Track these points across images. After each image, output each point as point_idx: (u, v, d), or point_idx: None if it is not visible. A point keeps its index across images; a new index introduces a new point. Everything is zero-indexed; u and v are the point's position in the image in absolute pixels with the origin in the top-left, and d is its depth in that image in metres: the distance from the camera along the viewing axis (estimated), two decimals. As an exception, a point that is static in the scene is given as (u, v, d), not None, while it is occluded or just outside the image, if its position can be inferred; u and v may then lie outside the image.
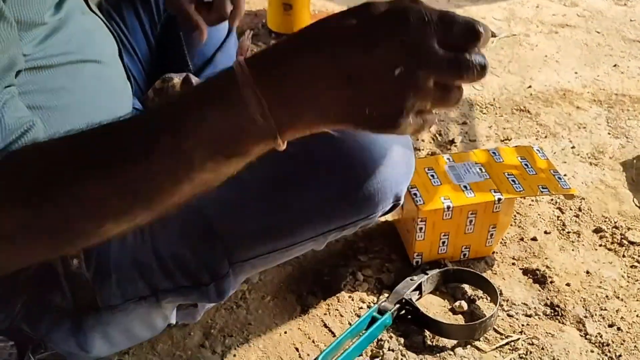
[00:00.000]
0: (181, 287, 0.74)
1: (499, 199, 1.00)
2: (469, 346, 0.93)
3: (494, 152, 1.10)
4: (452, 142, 1.37)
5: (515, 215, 1.16)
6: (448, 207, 0.99)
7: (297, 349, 0.94)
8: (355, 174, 0.73)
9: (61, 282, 0.70)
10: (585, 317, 0.98)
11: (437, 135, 1.39)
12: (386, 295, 1.00)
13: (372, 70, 0.42)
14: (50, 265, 0.69)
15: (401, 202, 0.80)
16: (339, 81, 0.42)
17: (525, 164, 1.07)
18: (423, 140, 1.38)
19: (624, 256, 1.09)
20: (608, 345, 0.93)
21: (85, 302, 0.71)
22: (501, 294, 1.01)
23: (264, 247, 0.75)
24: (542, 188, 1.01)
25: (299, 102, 0.43)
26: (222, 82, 0.44)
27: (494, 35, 1.79)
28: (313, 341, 0.95)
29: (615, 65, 1.64)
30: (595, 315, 0.98)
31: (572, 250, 1.11)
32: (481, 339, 0.94)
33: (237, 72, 0.43)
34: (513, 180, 1.03)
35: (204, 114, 0.43)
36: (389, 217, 1.12)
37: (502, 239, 1.12)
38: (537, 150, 1.10)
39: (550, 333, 0.95)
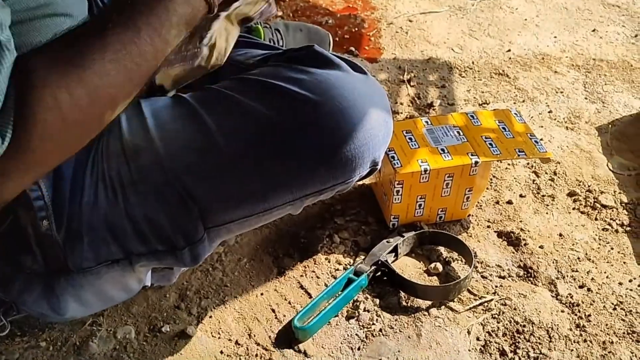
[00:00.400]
0: (155, 251, 0.73)
1: (476, 162, 1.01)
2: (443, 307, 0.95)
3: (472, 116, 1.10)
4: (430, 105, 1.36)
5: (491, 179, 1.17)
6: (425, 170, 0.99)
7: (273, 310, 0.94)
8: (333, 138, 0.72)
9: (31, 244, 0.69)
10: (557, 278, 1.00)
11: (416, 99, 1.39)
12: (362, 257, 1.01)
13: None
14: (20, 227, 0.68)
15: (379, 167, 0.80)
16: None
17: (503, 128, 1.07)
18: (402, 104, 1.37)
19: (596, 219, 1.11)
20: (578, 305, 0.96)
21: (57, 264, 0.70)
22: (476, 256, 1.02)
23: (240, 211, 0.75)
24: (519, 151, 1.02)
25: None
26: None
27: (474, -3, 1.77)
28: (289, 302, 0.95)
29: (594, 30, 1.64)
30: (567, 276, 1.00)
31: (547, 213, 1.12)
32: (455, 299, 0.96)
33: None
34: (490, 144, 1.03)
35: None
36: (366, 180, 1.12)
37: (478, 202, 1.12)
38: (515, 113, 1.11)
39: (522, 294, 0.97)
